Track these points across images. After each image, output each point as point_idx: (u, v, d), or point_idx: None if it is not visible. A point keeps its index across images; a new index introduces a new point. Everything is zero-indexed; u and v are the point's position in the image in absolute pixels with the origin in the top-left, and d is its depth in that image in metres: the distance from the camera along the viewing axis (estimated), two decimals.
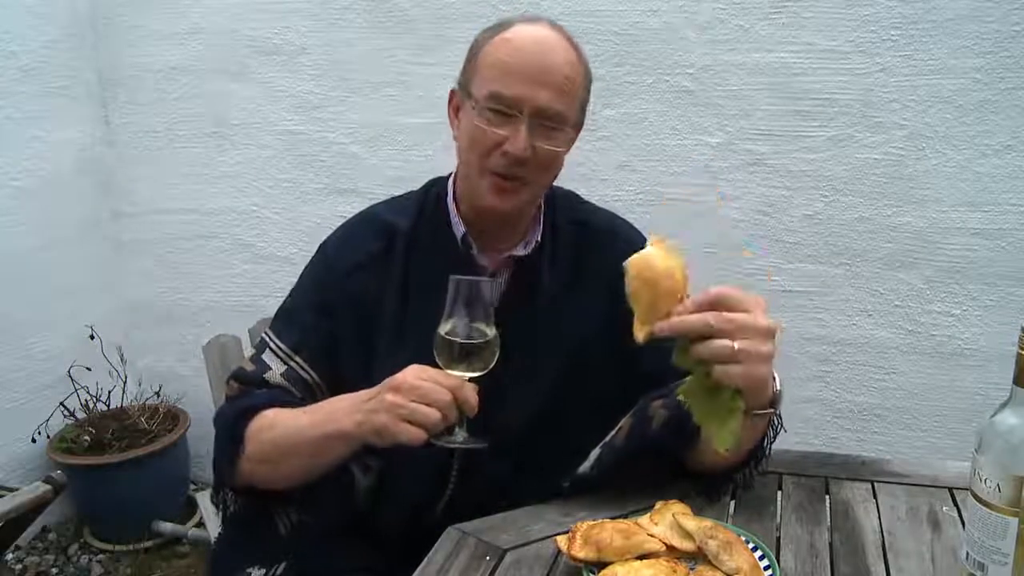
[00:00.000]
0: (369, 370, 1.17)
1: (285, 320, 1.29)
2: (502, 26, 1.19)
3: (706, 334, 0.97)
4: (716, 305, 0.98)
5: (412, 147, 2.50)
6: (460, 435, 1.07)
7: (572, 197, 1.37)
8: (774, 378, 1.06)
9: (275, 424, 1.17)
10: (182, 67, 2.70)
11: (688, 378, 1.03)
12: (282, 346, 1.25)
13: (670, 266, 0.98)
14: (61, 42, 2.65)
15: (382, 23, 2.46)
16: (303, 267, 1.35)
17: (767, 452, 1.19)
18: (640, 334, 0.99)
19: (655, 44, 2.24)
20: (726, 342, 0.96)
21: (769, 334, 0.98)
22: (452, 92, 1.25)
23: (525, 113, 1.13)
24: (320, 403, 1.18)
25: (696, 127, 2.26)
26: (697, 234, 2.25)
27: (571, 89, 1.17)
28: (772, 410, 1.08)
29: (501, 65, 1.15)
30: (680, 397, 1.03)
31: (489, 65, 1.16)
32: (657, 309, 0.98)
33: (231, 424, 1.20)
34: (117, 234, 2.89)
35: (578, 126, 1.23)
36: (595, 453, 1.20)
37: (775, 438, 1.19)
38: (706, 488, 1.18)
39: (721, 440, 1.00)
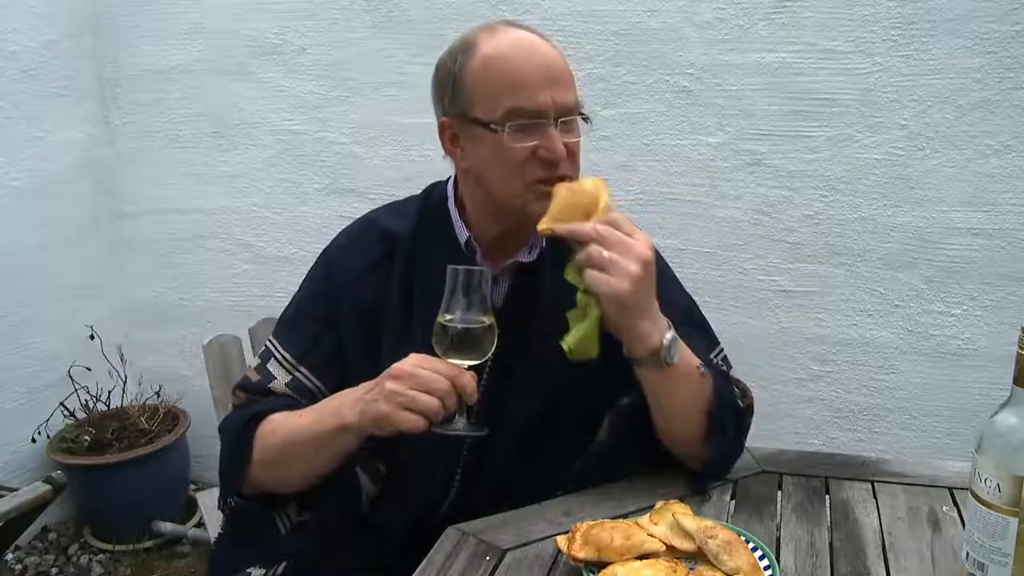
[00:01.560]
0: (375, 376, 1.17)
1: (288, 329, 1.28)
2: (474, 43, 1.15)
3: (589, 241, 1.04)
4: (609, 223, 1.06)
5: (412, 147, 2.50)
6: (460, 423, 1.08)
7: None
8: (667, 333, 1.09)
9: (280, 427, 1.18)
10: (182, 67, 2.70)
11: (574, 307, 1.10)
12: (286, 355, 1.25)
13: (599, 194, 1.08)
14: (61, 42, 2.65)
15: (382, 23, 2.46)
16: (303, 267, 1.34)
17: (724, 414, 1.18)
18: (542, 224, 1.08)
19: (655, 44, 2.23)
20: (601, 249, 1.03)
21: (642, 259, 1.04)
22: (443, 124, 1.20)
23: (551, 116, 1.12)
24: (324, 400, 1.18)
25: (696, 127, 2.26)
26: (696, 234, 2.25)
27: (571, 78, 1.17)
28: (656, 358, 1.09)
29: (506, 79, 1.12)
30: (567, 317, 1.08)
31: (492, 83, 1.13)
32: (566, 217, 1.07)
33: (238, 431, 1.20)
34: (117, 234, 2.89)
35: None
36: (586, 453, 1.22)
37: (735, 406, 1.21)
38: (694, 482, 1.20)
39: (567, 340, 1.06)
